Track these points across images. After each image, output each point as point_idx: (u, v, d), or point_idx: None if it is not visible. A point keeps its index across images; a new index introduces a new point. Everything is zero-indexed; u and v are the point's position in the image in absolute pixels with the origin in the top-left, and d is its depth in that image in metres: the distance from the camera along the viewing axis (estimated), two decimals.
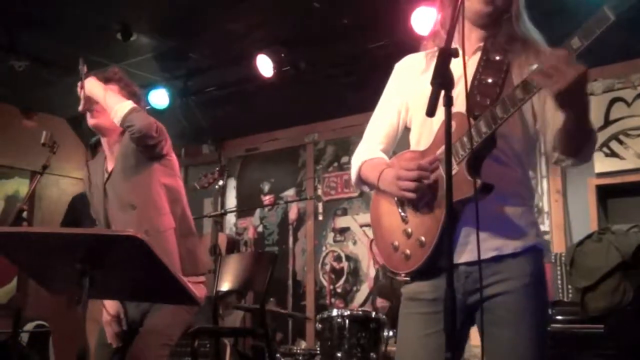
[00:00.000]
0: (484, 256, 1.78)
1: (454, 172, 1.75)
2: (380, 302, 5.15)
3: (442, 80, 1.51)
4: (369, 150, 2.11)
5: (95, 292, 1.93)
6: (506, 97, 1.68)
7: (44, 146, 3.18)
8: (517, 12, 1.90)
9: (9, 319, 6.21)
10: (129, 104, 2.75)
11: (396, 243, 1.94)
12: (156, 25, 5.08)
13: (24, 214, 3.10)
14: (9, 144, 6.59)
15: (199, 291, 2.76)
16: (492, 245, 1.81)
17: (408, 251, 1.90)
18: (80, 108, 2.85)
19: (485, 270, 1.78)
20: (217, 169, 5.14)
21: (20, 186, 6.78)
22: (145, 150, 2.79)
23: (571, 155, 1.82)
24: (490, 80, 1.84)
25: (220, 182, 5.15)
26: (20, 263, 2.21)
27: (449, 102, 1.49)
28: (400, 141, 2.15)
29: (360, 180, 2.11)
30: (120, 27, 4.93)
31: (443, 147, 1.75)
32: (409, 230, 1.90)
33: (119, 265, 1.93)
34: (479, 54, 1.91)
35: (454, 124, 1.78)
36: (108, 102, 2.77)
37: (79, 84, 2.84)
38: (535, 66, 1.62)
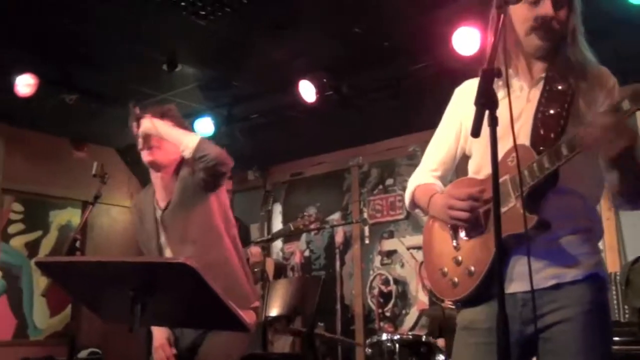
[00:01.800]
0: (543, 285, 1.77)
1: (511, 204, 1.75)
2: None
3: (485, 100, 1.50)
4: (424, 175, 2.11)
5: (147, 319, 1.96)
6: (575, 135, 1.65)
7: (95, 177, 3.25)
8: (574, 36, 1.88)
9: (64, 347, 6.36)
10: (197, 136, 2.81)
11: (445, 269, 1.93)
12: (200, 55, 5.18)
13: (77, 244, 3.17)
14: (61, 175, 6.77)
15: (249, 317, 2.78)
16: (551, 274, 1.78)
17: (456, 279, 1.89)
18: (139, 147, 2.89)
19: (543, 298, 1.76)
20: (315, 213, 5.18)
21: (72, 216, 6.95)
22: (213, 179, 2.82)
23: (629, 203, 1.82)
24: (552, 112, 1.81)
25: (317, 224, 5.20)
26: (74, 291, 2.26)
27: (493, 123, 1.49)
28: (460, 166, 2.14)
29: (414, 204, 2.11)
30: (166, 58, 5.05)
31: (503, 178, 1.75)
32: (459, 258, 1.89)
33: (170, 292, 1.96)
34: (541, 84, 1.88)
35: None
36: (173, 136, 2.82)
37: (134, 124, 2.89)
38: (606, 105, 1.61)
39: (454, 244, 1.92)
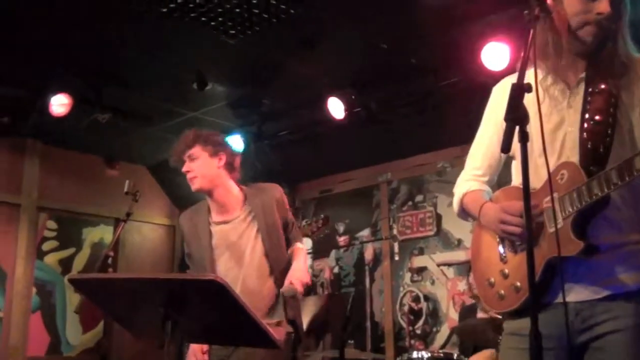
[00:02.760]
0: (596, 295, 1.75)
1: (559, 226, 1.72)
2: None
3: (515, 115, 1.49)
4: (470, 180, 2.08)
5: (178, 335, 1.97)
6: (624, 163, 1.61)
7: (127, 194, 3.30)
8: (622, 36, 1.84)
9: None
10: (300, 264, 3.09)
11: (492, 280, 1.93)
12: (230, 74, 5.24)
13: (109, 261, 3.22)
14: (94, 192, 6.87)
15: (278, 334, 2.78)
16: (604, 285, 1.76)
17: (503, 292, 1.88)
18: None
19: (597, 308, 1.75)
20: (322, 216, 5.15)
21: (105, 233, 7.03)
22: None
23: None
24: (598, 118, 1.78)
25: (326, 232, 5.19)
26: (106, 308, 2.28)
27: (523, 138, 1.48)
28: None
29: (464, 211, 2.08)
30: (195, 77, 5.11)
31: (550, 198, 1.73)
32: (506, 271, 1.88)
33: (200, 308, 1.97)
34: (582, 86, 1.85)
35: (565, 172, 1.76)
36: (304, 268, 3.08)
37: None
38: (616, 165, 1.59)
39: (501, 255, 1.91)
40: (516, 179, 2.00)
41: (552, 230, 1.74)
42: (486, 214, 1.93)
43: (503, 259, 1.91)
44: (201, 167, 3.12)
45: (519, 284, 1.83)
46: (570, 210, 1.71)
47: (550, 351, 1.45)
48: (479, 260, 2.02)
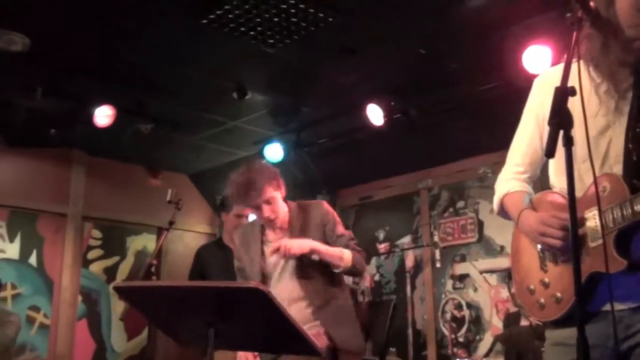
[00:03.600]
0: (635, 303, 1.70)
1: (600, 241, 1.68)
2: None
3: (560, 119, 1.46)
4: (512, 180, 2.03)
5: (221, 343, 1.98)
6: None
7: (170, 203, 3.34)
8: None
9: None
10: (348, 253, 3.06)
11: (532, 287, 1.88)
12: (269, 82, 5.27)
13: (153, 269, 3.27)
14: (137, 201, 6.99)
15: (320, 342, 2.78)
16: None
17: (543, 300, 1.84)
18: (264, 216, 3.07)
19: (636, 316, 1.70)
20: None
21: (148, 242, 7.14)
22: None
23: None
24: None
25: None
26: (150, 315, 2.31)
27: (568, 142, 1.44)
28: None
29: (503, 211, 2.04)
30: (236, 86, 5.16)
31: (594, 212, 1.69)
32: (546, 280, 1.84)
33: (243, 316, 1.98)
34: (630, 94, 1.77)
35: (607, 185, 1.70)
36: (331, 255, 3.05)
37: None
38: None
39: (542, 264, 1.87)
40: (556, 181, 1.94)
41: (594, 245, 1.70)
42: (524, 223, 1.88)
43: (543, 268, 1.86)
44: (280, 207, 3.06)
45: (559, 294, 1.78)
46: (612, 226, 1.66)
47: None
48: (518, 265, 1.98)
